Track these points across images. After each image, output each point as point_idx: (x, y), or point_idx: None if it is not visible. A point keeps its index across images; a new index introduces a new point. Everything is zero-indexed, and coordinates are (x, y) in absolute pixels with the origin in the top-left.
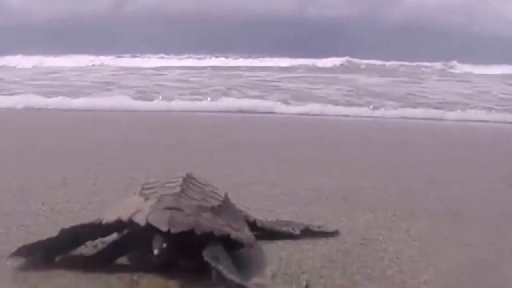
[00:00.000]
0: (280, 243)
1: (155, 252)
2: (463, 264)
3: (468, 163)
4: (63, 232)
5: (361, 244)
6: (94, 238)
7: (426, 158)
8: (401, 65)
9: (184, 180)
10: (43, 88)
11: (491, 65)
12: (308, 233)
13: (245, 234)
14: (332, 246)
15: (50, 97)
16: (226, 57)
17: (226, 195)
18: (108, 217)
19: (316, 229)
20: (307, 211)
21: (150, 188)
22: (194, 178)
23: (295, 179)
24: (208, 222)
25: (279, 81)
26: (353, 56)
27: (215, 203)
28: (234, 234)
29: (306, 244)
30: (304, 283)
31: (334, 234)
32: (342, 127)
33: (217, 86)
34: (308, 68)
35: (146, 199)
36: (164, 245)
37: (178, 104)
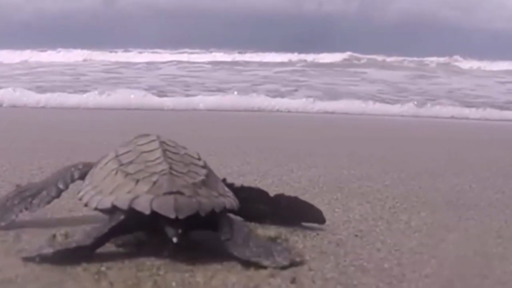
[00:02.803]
0: (267, 233)
1: (175, 240)
2: (468, 257)
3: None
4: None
5: (356, 235)
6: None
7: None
8: (404, 60)
9: (163, 151)
10: (37, 84)
11: (495, 60)
12: (283, 199)
13: (232, 198)
14: (324, 237)
15: (49, 92)
16: (224, 52)
17: (199, 155)
18: (98, 202)
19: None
20: None
21: (130, 162)
22: (165, 142)
23: (289, 171)
24: (207, 200)
25: (294, 76)
26: (349, 51)
27: (202, 172)
28: (228, 204)
29: (296, 236)
30: (291, 275)
31: (317, 212)
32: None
33: (240, 83)
34: (309, 63)
35: (136, 181)
36: (180, 230)
37: (202, 100)
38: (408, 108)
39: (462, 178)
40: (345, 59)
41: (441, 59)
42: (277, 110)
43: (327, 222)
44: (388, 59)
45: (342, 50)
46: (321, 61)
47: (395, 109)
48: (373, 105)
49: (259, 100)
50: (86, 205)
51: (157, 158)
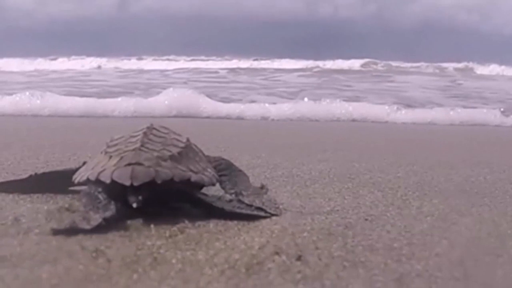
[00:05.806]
0: (274, 218)
1: (134, 205)
2: (481, 238)
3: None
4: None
5: (366, 219)
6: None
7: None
8: (420, 65)
9: (145, 133)
10: (68, 89)
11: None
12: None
13: (206, 175)
14: (332, 221)
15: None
16: (239, 59)
17: (188, 139)
18: (79, 176)
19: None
20: (308, 190)
21: (114, 145)
22: (156, 129)
23: (300, 163)
24: (167, 170)
25: (331, 82)
26: (364, 57)
27: (175, 150)
28: (194, 177)
29: (303, 219)
30: (297, 253)
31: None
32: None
33: (284, 88)
34: (329, 70)
35: (110, 157)
36: (140, 197)
37: (275, 108)
38: (494, 117)
39: (477, 171)
40: (363, 65)
41: (460, 65)
42: (353, 120)
43: (337, 208)
44: (403, 65)
45: (352, 56)
46: (338, 67)
47: (480, 116)
48: (463, 113)
49: (334, 106)
50: (74, 181)
51: (136, 140)
